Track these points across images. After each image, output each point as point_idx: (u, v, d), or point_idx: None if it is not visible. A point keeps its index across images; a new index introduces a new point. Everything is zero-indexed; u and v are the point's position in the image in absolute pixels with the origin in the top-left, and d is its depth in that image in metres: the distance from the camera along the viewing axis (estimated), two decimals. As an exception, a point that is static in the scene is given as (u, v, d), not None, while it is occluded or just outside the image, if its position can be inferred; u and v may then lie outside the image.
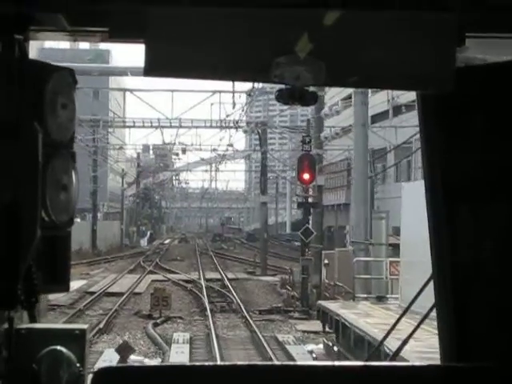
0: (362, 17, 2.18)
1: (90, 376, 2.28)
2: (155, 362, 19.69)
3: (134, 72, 41.97)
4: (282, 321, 28.61)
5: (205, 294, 34.58)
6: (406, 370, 2.54)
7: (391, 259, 24.39)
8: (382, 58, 2.18)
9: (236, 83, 39.78)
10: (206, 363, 2.64)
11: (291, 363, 3.13)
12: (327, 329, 22.65)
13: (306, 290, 31.30)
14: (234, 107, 40.70)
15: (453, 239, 2.72)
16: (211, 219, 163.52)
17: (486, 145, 2.68)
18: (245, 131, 51.90)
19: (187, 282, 40.71)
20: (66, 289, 2.45)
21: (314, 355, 21.69)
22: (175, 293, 34.86)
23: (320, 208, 32.94)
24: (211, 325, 26.20)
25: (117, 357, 18.32)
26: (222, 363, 5.93)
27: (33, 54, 2.43)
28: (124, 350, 16.78)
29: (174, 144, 62.00)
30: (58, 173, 2.35)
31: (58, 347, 2.35)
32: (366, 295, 24.42)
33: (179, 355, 21.30)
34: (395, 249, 24.05)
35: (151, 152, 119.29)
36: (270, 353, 21.25)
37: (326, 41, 2.16)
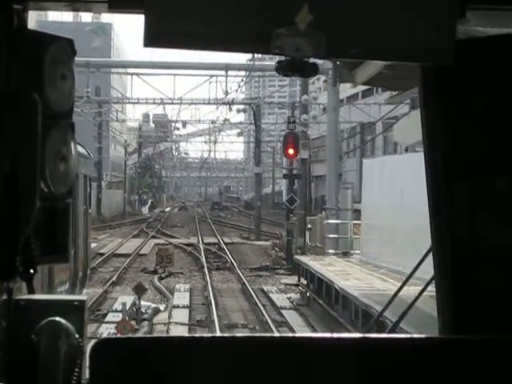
0: None
1: (89, 347, 2.28)
2: (161, 306, 24.65)
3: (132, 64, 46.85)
4: (269, 276, 33.64)
5: (203, 255, 39.38)
6: (404, 342, 2.54)
7: (355, 222, 29.69)
8: (383, 29, 2.19)
9: (239, 56, 43.45)
10: (205, 335, 2.63)
11: (290, 335, 3.23)
12: (302, 279, 27.83)
13: (290, 250, 36.39)
14: (226, 94, 45.00)
15: (452, 213, 2.72)
16: (210, 188, 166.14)
17: (486, 118, 2.67)
18: (238, 111, 56.91)
19: (187, 245, 45.58)
20: (65, 259, 2.48)
21: (291, 300, 26.84)
22: (176, 254, 39.61)
23: (303, 179, 38.00)
24: (208, 279, 31.09)
25: (130, 299, 23.14)
26: (221, 335, 5.87)
27: (32, 24, 2.37)
28: (139, 289, 21.73)
29: (176, 121, 66.47)
30: (57, 144, 2.33)
31: (57, 318, 2.30)
32: (334, 251, 29.75)
33: (181, 299, 26.30)
34: (359, 213, 29.27)
35: (151, 122, 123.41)
36: (256, 299, 26.20)
37: (327, 12, 2.16)
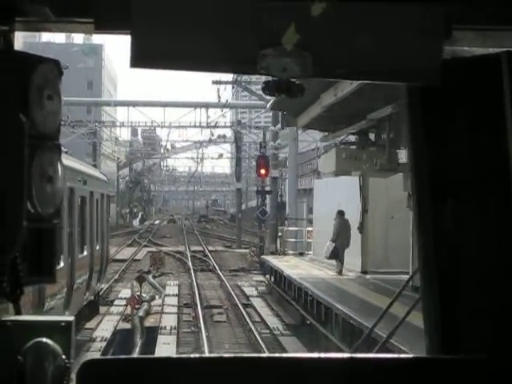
0: (350, 8, 2.20)
1: (76, 368, 2.29)
2: (158, 301, 32.13)
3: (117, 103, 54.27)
4: (244, 275, 41.22)
5: (189, 260, 47.02)
6: (392, 362, 2.56)
7: (308, 228, 37.69)
8: (369, 50, 2.21)
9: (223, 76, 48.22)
10: (193, 355, 2.74)
11: (277, 355, 3.02)
12: (268, 276, 35.61)
13: (262, 255, 44.25)
14: (207, 126, 52.53)
15: (438, 233, 2.74)
16: (198, 202, 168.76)
17: (473, 138, 2.69)
18: (219, 136, 65.04)
19: (176, 252, 53.15)
20: (52, 280, 2.47)
21: (259, 290, 34.56)
22: (167, 259, 47.10)
23: (274, 194, 45.94)
24: (193, 277, 38.61)
25: (128, 292, 30.57)
26: (209, 355, 5.99)
27: (18, 45, 2.42)
28: (140, 279, 29.33)
29: (166, 146, 73.52)
30: (43, 165, 2.35)
31: (44, 339, 2.30)
32: (293, 252, 37.72)
33: (171, 291, 33.90)
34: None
35: (140, 136, 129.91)
36: (231, 291, 33.72)
37: (313, 33, 2.17)
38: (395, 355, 2.69)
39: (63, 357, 2.31)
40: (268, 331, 24.71)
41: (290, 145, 41.99)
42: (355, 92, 19.01)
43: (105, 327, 24.82)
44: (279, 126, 44.52)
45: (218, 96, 52.60)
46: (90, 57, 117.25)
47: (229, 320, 27.34)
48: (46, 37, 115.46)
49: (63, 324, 2.36)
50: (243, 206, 74.85)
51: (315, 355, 2.52)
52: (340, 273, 26.59)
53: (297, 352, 19.32)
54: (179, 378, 2.40)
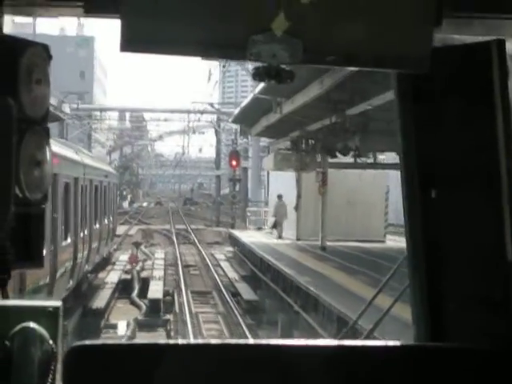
0: None
1: (63, 353, 2.34)
2: (149, 262, 43.26)
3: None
4: (218, 247, 52.36)
5: (174, 235, 58.07)
6: (379, 349, 2.60)
7: (265, 209, 49.34)
8: (359, 37, 2.23)
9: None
10: (180, 341, 2.74)
11: (264, 341, 2.90)
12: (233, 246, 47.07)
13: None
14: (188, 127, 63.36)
15: (427, 222, 2.78)
16: (185, 185, 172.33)
17: (463, 126, 2.72)
18: (200, 132, 76.49)
19: (162, 229, 64.32)
20: (40, 264, 2.51)
21: (227, 256, 45.90)
22: (155, 235, 58.50)
23: (244, 182, 57.52)
24: (176, 248, 49.69)
25: (125, 257, 41.64)
26: (195, 341, 6.06)
27: (7, 28, 2.42)
28: (136, 244, 40.64)
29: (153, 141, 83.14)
30: (31, 149, 2.36)
31: (31, 324, 2.32)
32: (253, 227, 49.61)
33: (159, 256, 45.03)
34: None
35: (127, 120, 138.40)
36: (206, 257, 44.91)
37: (303, 19, 2.18)
38: (383, 342, 2.64)
39: (50, 342, 2.32)
40: (227, 279, 35.82)
41: (253, 143, 53.57)
42: (293, 112, 27.89)
43: (112, 277, 35.83)
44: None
45: (209, 75, 62.40)
46: (82, 47, 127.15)
47: (201, 274, 38.62)
48: (41, 29, 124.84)
49: (50, 309, 2.37)
50: (226, 191, 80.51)
51: (303, 342, 2.53)
52: (279, 238, 38.53)
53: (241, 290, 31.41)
54: (167, 362, 2.41)
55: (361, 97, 22.06)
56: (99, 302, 28.88)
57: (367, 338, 5.45)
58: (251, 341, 3.13)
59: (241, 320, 26.37)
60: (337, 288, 21.21)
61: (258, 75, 2.25)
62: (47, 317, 2.37)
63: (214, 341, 2.59)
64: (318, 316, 20.20)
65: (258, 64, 2.24)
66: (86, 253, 29.09)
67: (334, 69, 19.25)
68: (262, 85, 27.01)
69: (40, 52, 2.41)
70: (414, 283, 2.85)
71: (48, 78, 2.43)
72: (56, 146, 23.71)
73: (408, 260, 2.86)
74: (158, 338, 24.41)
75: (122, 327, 25.85)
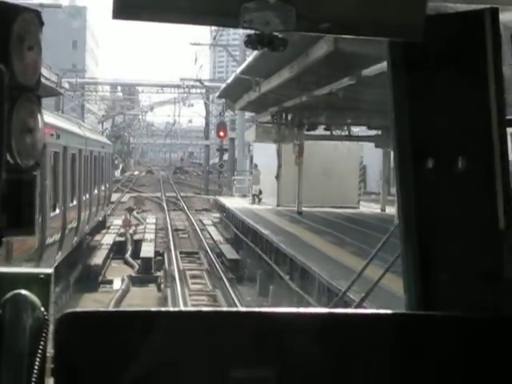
0: None
1: (55, 320, 2.35)
2: (141, 227, 46.84)
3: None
4: (206, 213, 55.88)
5: (164, 202, 61.61)
6: (371, 317, 2.62)
7: (249, 177, 53.01)
8: (353, 5, 2.22)
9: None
10: (171, 308, 2.81)
11: (255, 309, 2.97)
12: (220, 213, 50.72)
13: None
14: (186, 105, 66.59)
15: (419, 191, 2.78)
16: (175, 154, 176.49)
17: (456, 94, 2.72)
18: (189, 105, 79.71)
19: (153, 197, 67.85)
20: (31, 232, 2.47)
21: (213, 221, 49.48)
22: (146, 202, 61.98)
23: (231, 152, 61.04)
24: (167, 214, 53.16)
25: (119, 222, 45.20)
26: (187, 309, 6.08)
27: None
28: (129, 209, 44.20)
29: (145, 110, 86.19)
30: (23, 116, 2.35)
31: (23, 291, 2.32)
32: (238, 194, 53.44)
33: (150, 221, 48.57)
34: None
35: (119, 90, 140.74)
36: (194, 222, 48.50)
37: None
38: (374, 310, 2.67)
39: (42, 309, 2.32)
40: (213, 241, 39.44)
41: (238, 115, 57.23)
42: (270, 91, 30.68)
43: (107, 239, 39.35)
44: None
45: (195, 60, 65.93)
46: (74, 18, 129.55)
47: (189, 237, 42.29)
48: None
49: (42, 276, 2.38)
50: (216, 160, 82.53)
51: (294, 310, 2.55)
52: (259, 202, 43.26)
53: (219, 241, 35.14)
54: (158, 330, 2.42)
55: (327, 80, 25.49)
56: (97, 259, 32.46)
57: (358, 306, 5.81)
58: (243, 309, 3.43)
59: (223, 275, 29.96)
60: (304, 245, 24.80)
61: (250, 43, 2.24)
62: (39, 284, 2.37)
63: (205, 309, 2.61)
64: (286, 267, 23.87)
65: (251, 32, 2.23)
66: (87, 213, 32.69)
67: (303, 54, 22.91)
68: (243, 65, 30.54)
69: (32, 18, 2.36)
70: (405, 253, 2.87)
71: (40, 44, 2.39)
72: (65, 123, 27.45)
73: (400, 230, 2.88)
74: (150, 291, 28.11)
75: (117, 282, 29.43)
